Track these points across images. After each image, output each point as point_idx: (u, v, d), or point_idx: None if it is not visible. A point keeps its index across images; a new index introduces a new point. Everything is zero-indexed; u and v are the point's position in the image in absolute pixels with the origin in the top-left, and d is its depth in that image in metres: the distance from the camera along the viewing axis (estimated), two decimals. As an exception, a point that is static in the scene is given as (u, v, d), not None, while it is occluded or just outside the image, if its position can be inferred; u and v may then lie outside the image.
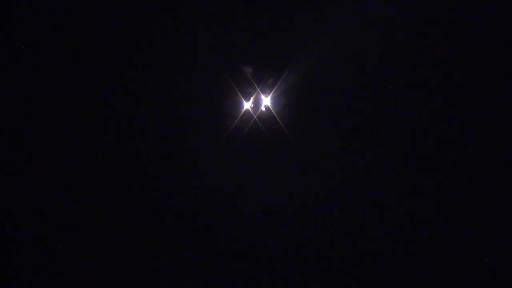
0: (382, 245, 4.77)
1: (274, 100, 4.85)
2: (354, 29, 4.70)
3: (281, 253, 4.85)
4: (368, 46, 4.72)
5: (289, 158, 4.85)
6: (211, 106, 4.87)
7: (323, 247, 4.84)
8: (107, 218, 4.88)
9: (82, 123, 4.85)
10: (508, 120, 4.57)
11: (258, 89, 4.80)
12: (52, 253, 4.72)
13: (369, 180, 4.83)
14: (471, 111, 4.66)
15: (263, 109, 4.87)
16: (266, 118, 4.85)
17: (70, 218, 4.81)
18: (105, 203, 4.87)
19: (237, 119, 4.82)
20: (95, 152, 4.85)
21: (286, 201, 4.88)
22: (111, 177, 4.89)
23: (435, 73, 4.71)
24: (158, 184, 4.93)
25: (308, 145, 4.85)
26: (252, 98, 4.83)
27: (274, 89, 4.79)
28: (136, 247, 4.86)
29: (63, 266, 4.72)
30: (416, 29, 4.68)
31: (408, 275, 4.68)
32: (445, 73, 4.69)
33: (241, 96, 4.82)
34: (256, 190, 4.91)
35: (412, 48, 4.71)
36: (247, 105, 4.85)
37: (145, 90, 4.84)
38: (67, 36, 4.75)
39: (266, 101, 4.87)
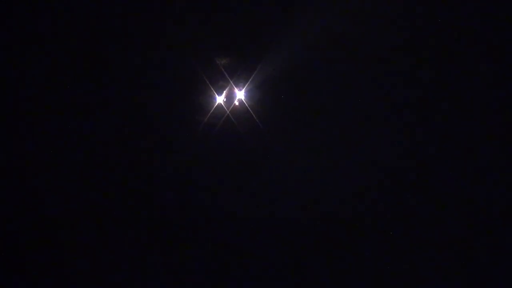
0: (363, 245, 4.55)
1: (248, 94, 4.61)
2: (335, 17, 4.50)
3: (257, 254, 4.60)
4: (350, 35, 4.52)
5: (264, 155, 4.61)
6: (180, 101, 4.63)
7: (302, 247, 4.60)
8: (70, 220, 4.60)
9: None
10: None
11: (231, 82, 4.58)
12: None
13: (351, 178, 4.57)
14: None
15: (237, 103, 4.63)
16: (240, 113, 4.61)
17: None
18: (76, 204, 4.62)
19: (209, 114, 4.58)
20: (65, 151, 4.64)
21: (260, 201, 4.63)
22: (79, 177, 4.64)
23: (415, 58, 4.51)
24: (124, 186, 4.67)
25: (284, 142, 4.61)
26: (224, 91, 4.60)
27: (248, 82, 4.56)
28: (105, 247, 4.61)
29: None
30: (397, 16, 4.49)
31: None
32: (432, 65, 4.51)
33: (213, 90, 4.59)
34: (228, 189, 4.65)
35: (396, 37, 4.52)
36: (220, 99, 4.61)
37: (102, 84, 4.61)
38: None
39: (240, 95, 4.63)
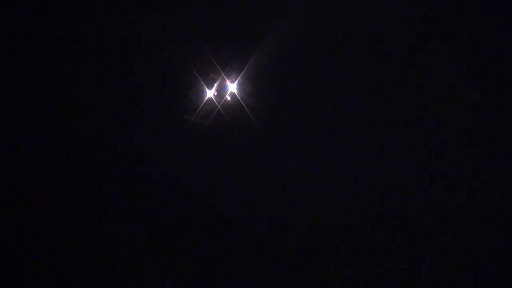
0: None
1: (241, 87, 4.33)
2: (331, 7, 4.27)
3: (247, 254, 4.39)
4: (346, 27, 4.30)
5: (259, 153, 4.34)
6: (166, 95, 4.35)
7: (295, 246, 4.40)
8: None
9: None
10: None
11: (223, 74, 4.29)
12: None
13: (347, 175, 4.35)
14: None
15: (228, 97, 4.34)
16: (232, 108, 4.33)
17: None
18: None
19: (198, 109, 4.29)
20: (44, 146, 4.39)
21: (253, 201, 4.38)
22: (59, 174, 4.40)
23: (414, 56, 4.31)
24: (107, 186, 4.40)
25: (280, 138, 4.35)
26: (215, 84, 4.31)
27: (242, 74, 4.28)
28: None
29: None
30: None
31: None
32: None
33: (203, 83, 4.29)
34: (220, 189, 4.41)
35: (394, 30, 4.29)
36: (210, 93, 4.32)
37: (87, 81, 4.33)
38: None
39: (232, 88, 4.34)
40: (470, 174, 4.26)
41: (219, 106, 4.30)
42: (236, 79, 4.30)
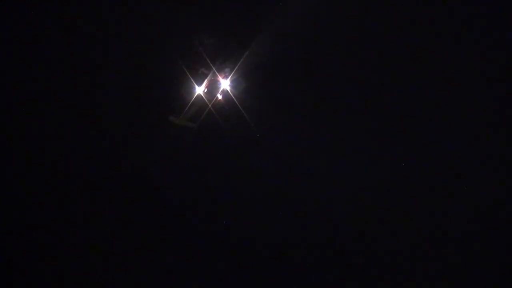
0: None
1: (234, 84, 4.09)
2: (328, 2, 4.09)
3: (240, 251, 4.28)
4: (342, 22, 4.12)
5: (252, 154, 4.15)
6: (154, 92, 4.08)
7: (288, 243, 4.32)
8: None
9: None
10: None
11: (214, 69, 4.04)
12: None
13: (344, 174, 4.22)
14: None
15: (219, 96, 4.11)
16: (224, 107, 4.11)
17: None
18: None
19: (187, 107, 4.05)
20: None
21: (247, 205, 4.24)
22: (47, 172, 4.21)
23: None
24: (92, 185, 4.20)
25: (276, 140, 4.16)
26: (205, 81, 4.07)
27: (235, 69, 4.03)
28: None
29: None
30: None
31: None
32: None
33: (192, 79, 4.04)
34: (212, 193, 4.22)
35: (386, 27, 4.13)
36: (199, 90, 4.08)
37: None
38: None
39: (225, 84, 4.09)
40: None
41: (210, 105, 4.07)
42: (229, 74, 4.06)
